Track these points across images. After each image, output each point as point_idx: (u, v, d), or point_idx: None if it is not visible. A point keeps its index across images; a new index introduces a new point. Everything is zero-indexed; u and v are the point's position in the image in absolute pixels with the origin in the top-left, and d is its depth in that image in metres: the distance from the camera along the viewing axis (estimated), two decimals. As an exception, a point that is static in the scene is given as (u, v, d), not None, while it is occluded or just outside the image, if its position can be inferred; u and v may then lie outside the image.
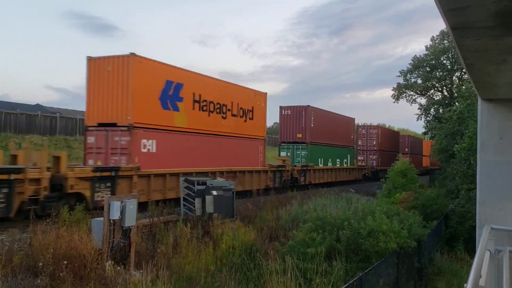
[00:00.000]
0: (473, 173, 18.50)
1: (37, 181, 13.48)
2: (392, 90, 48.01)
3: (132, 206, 10.37)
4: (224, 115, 22.88)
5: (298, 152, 31.70)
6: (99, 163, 17.34)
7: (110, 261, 9.61)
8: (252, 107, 25.51)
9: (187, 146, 20.00)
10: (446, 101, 42.30)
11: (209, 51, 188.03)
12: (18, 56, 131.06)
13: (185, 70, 20.30)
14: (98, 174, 15.42)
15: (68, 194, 14.41)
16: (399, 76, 46.76)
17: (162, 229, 12.41)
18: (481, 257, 3.68)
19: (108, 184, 15.80)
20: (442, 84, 45.48)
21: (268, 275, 9.84)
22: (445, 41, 42.90)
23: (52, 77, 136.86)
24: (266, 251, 11.85)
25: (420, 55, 44.93)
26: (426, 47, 44.82)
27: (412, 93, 47.23)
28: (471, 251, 15.72)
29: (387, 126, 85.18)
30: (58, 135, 33.13)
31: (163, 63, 18.84)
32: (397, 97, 47.75)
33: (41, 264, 8.74)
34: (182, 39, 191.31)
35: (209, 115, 21.69)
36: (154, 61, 18.36)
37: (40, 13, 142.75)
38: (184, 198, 15.45)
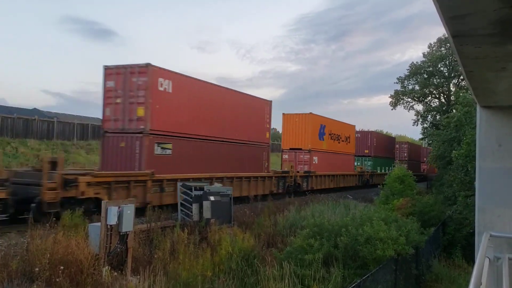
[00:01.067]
0: (470, 180, 18.55)
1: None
2: (390, 97, 48.21)
3: (129, 211, 10.33)
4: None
5: (365, 162, 44.37)
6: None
7: (107, 267, 9.56)
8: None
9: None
10: (444, 108, 42.46)
11: (207, 57, 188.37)
12: (16, 60, 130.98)
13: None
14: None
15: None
16: (396, 82, 46.98)
17: (159, 234, 12.36)
18: (481, 265, 3.66)
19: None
20: (439, 91, 45.66)
21: (266, 281, 9.82)
22: (443, 48, 43.13)
23: (49, 82, 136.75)
24: (264, 257, 11.81)
25: (417, 62, 45.17)
26: (424, 54, 45.09)
27: (409, 99, 47.39)
28: (469, 258, 15.73)
29: (384, 132, 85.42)
30: (55, 140, 33.05)
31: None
32: (394, 104, 47.90)
33: (37, 269, 8.67)
34: (180, 45, 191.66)
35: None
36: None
37: (38, 18, 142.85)
38: (181, 203, 15.41)
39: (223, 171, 21.14)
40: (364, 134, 45.41)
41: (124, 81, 17.59)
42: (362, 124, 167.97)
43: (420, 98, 46.60)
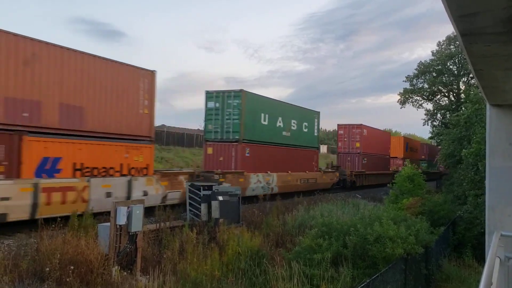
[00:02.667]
0: (481, 179, 18.38)
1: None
2: (398, 95, 47.96)
3: (138, 211, 10.37)
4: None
5: None
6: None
7: (116, 267, 9.62)
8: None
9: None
10: (453, 106, 42.16)
11: (215, 57, 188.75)
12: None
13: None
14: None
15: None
16: (405, 81, 46.73)
17: (168, 234, 12.41)
18: (491, 265, 3.63)
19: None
20: (448, 89, 45.34)
21: (275, 281, 9.80)
22: (452, 46, 42.82)
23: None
24: (273, 256, 11.80)
25: (426, 61, 44.92)
26: (432, 52, 44.81)
27: (418, 98, 47.12)
28: (479, 258, 15.59)
29: (393, 131, 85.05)
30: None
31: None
32: (403, 102, 47.63)
33: (47, 269, 8.75)
34: (188, 45, 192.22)
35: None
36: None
37: (48, 18, 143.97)
38: (190, 203, 15.45)
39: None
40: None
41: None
42: (371, 123, 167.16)
43: (429, 97, 46.28)
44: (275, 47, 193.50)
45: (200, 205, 14.93)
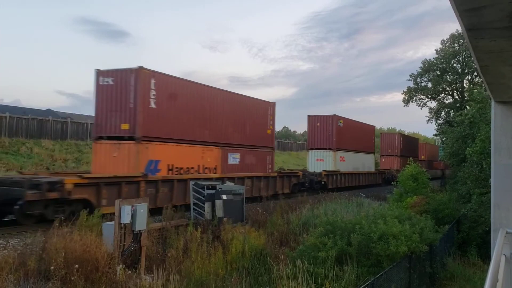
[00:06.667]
0: (485, 177, 18.31)
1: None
2: (403, 93, 47.77)
3: (142, 210, 10.39)
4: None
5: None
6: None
7: (121, 265, 9.63)
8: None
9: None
10: (457, 105, 41.99)
11: (219, 56, 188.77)
12: (30, 61, 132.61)
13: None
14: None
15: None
16: (409, 80, 46.56)
17: (173, 233, 12.41)
18: (497, 262, 3.61)
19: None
20: (452, 87, 45.15)
21: (279, 279, 9.79)
22: (456, 45, 42.65)
23: (63, 83, 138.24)
24: (277, 255, 11.80)
25: (430, 59, 44.71)
26: (436, 51, 44.62)
27: (422, 96, 46.93)
28: (484, 256, 15.54)
29: (397, 130, 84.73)
30: (68, 140, 33.38)
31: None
32: (407, 101, 47.45)
33: (52, 268, 8.76)
34: (192, 44, 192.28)
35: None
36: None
37: (52, 19, 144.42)
38: (194, 202, 15.45)
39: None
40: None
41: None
42: (375, 122, 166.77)
43: (433, 95, 46.09)
44: (280, 46, 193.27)
45: (204, 204, 14.93)
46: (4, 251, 10.24)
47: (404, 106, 48.11)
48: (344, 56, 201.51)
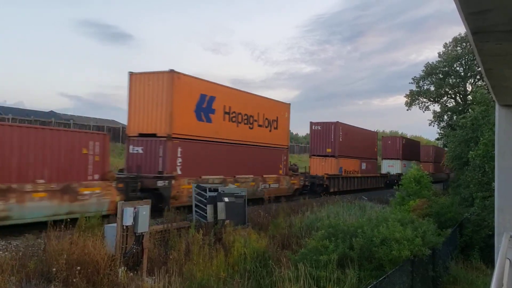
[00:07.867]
0: (488, 181, 18.24)
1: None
2: (405, 97, 47.73)
3: (144, 212, 10.38)
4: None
5: None
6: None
7: (123, 267, 9.62)
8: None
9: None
10: (460, 108, 41.91)
11: (221, 59, 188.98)
12: (33, 64, 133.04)
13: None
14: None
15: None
16: (412, 83, 46.53)
17: (175, 235, 12.40)
18: (502, 266, 3.59)
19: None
20: (455, 91, 45.09)
21: (281, 282, 9.76)
22: (458, 48, 42.62)
23: (66, 85, 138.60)
24: (279, 258, 11.77)
25: (433, 62, 44.67)
26: (439, 54, 44.57)
27: (425, 100, 46.87)
28: (487, 260, 15.46)
29: (399, 133, 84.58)
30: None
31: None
32: (409, 104, 47.41)
33: (54, 269, 8.76)
34: (194, 47, 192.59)
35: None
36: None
37: (55, 21, 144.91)
38: (196, 204, 15.43)
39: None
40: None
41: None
42: (377, 125, 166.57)
43: (436, 99, 46.04)
44: (282, 48, 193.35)
45: (206, 206, 14.90)
46: (5, 253, 10.24)
47: (407, 109, 48.13)
48: (347, 59, 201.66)
